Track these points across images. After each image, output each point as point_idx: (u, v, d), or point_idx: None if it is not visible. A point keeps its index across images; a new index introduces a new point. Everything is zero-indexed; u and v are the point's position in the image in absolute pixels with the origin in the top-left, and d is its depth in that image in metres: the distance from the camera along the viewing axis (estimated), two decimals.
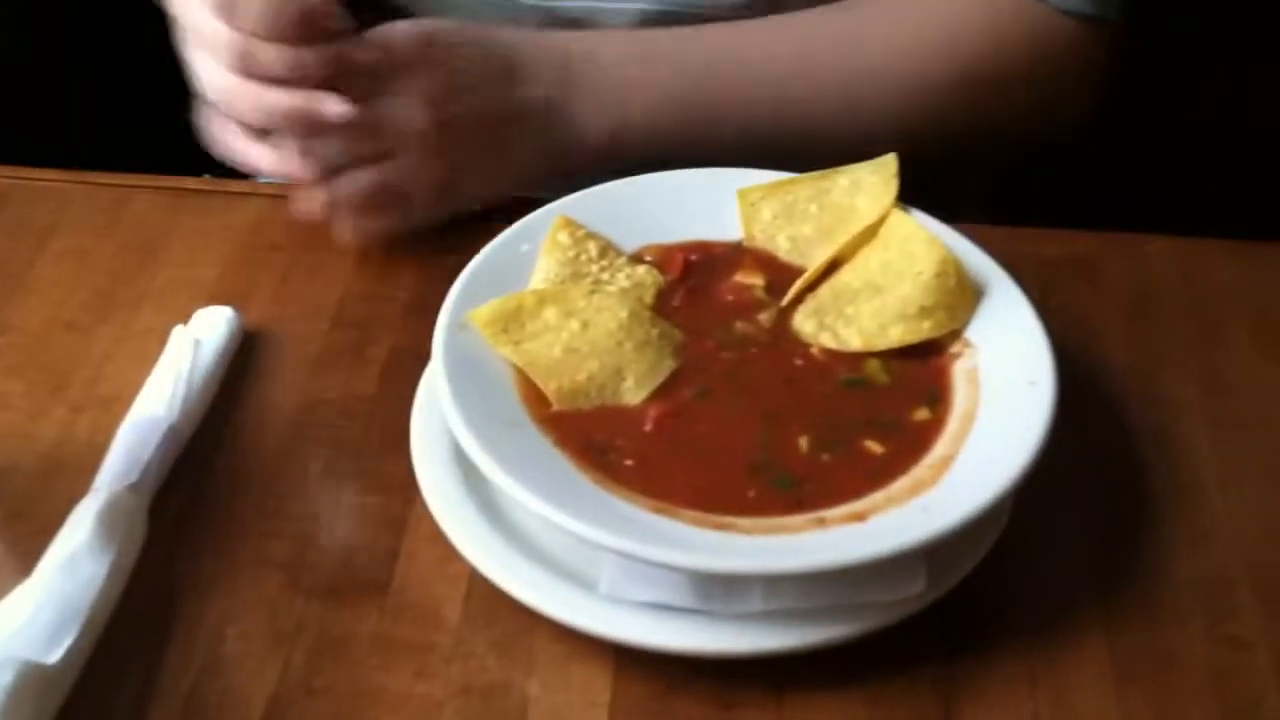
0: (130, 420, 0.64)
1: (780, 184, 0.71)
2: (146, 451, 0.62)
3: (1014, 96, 0.83)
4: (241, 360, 0.70)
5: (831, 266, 0.69)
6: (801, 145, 0.79)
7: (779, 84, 0.80)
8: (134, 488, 0.61)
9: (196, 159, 0.78)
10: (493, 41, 0.76)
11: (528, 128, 0.76)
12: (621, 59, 0.78)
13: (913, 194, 0.69)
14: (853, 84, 0.81)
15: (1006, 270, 0.67)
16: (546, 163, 0.77)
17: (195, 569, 0.61)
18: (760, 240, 0.70)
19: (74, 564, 0.57)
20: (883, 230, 0.69)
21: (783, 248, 0.70)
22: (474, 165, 0.75)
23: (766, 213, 0.70)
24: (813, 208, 0.70)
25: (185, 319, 0.71)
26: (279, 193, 0.77)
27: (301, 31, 0.69)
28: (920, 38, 0.81)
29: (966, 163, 0.83)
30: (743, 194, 0.71)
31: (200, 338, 0.68)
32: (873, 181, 0.70)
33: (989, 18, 0.82)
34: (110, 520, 0.59)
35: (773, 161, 0.72)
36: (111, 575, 0.58)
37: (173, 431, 0.64)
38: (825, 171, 0.71)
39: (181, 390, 0.65)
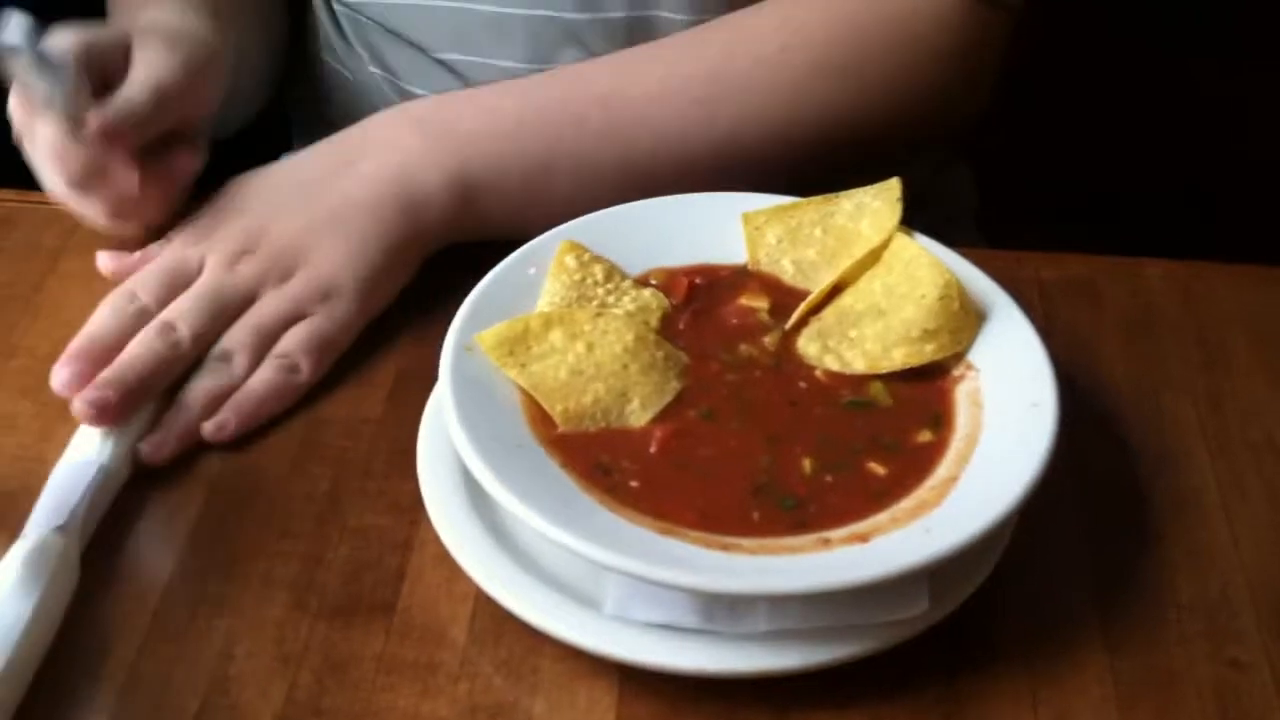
0: (62, 463, 0.65)
1: (784, 208, 0.72)
2: (75, 494, 0.63)
3: (877, 83, 0.79)
4: None
5: (835, 289, 0.69)
6: (678, 178, 0.76)
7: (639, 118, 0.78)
8: (62, 529, 0.61)
9: (203, 177, 0.78)
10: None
11: (370, 208, 0.74)
12: (461, 115, 0.77)
13: (910, 215, 0.69)
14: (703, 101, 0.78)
15: (1008, 293, 0.68)
16: (405, 234, 0.75)
17: (202, 589, 0.62)
18: (765, 264, 0.71)
19: None
20: (886, 254, 0.69)
21: (787, 271, 0.71)
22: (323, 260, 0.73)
23: (771, 236, 0.71)
24: (817, 232, 0.71)
25: None
26: None
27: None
28: (761, 31, 0.79)
29: (846, 162, 0.79)
30: (747, 218, 0.71)
31: None
32: (876, 206, 0.70)
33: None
34: (37, 564, 0.59)
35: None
36: (37, 619, 0.57)
37: (103, 472, 0.64)
38: (829, 196, 0.72)
39: (112, 431, 0.66)
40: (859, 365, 0.66)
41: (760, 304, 0.69)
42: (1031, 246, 0.80)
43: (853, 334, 0.67)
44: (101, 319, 0.69)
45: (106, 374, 0.67)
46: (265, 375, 0.69)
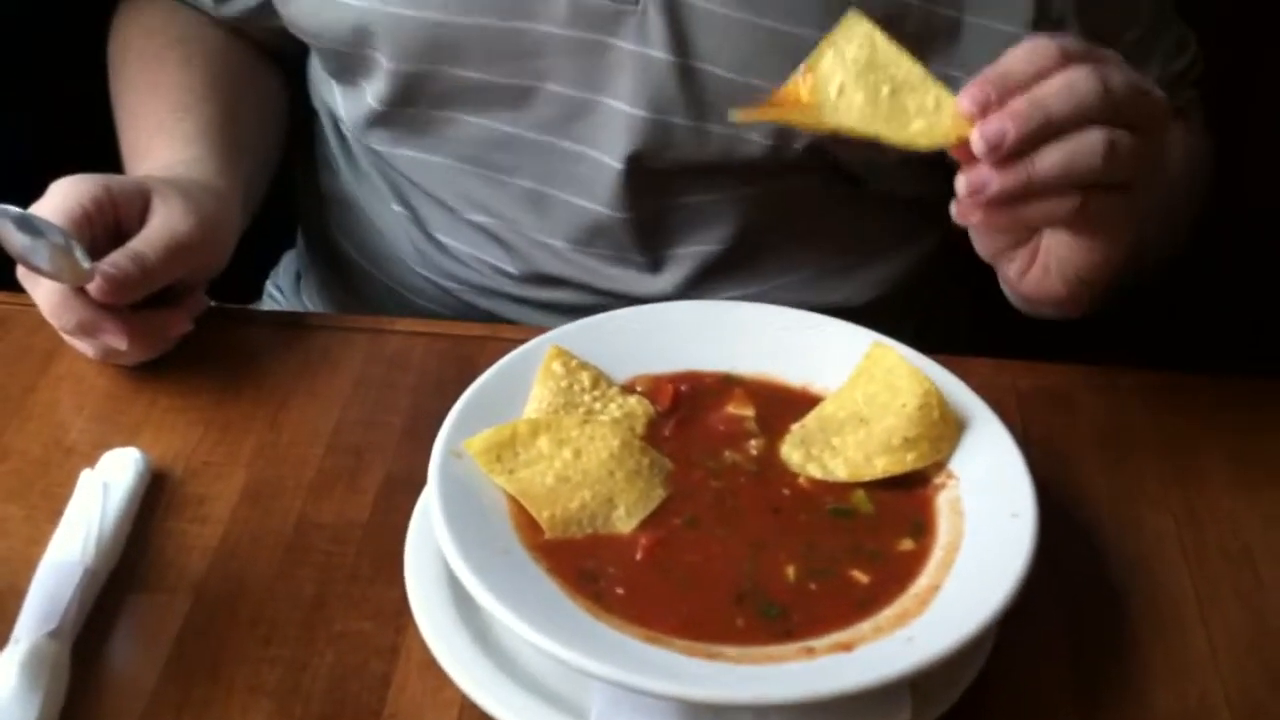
0: (45, 566, 0.65)
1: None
2: (64, 598, 0.63)
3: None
4: (238, 484, 0.71)
5: (818, 398, 0.71)
6: None
7: None
8: (54, 634, 0.61)
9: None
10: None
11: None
12: None
13: (898, 319, 0.70)
14: None
15: (987, 402, 0.69)
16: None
17: (186, 694, 0.62)
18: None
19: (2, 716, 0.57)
20: (866, 362, 0.71)
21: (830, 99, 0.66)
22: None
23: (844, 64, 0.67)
24: (885, 89, 0.67)
25: (185, 444, 0.73)
26: (280, 319, 0.79)
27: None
28: None
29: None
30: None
31: (109, 481, 0.69)
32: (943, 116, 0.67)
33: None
34: (34, 670, 0.59)
35: None
36: None
37: (89, 575, 0.64)
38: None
39: (94, 533, 0.66)
40: (841, 473, 0.67)
41: (746, 412, 0.70)
42: (1020, 345, 0.82)
43: (835, 441, 0.68)
44: None
45: None
46: None
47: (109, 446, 0.72)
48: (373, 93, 0.85)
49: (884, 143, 0.64)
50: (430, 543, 0.65)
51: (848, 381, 0.71)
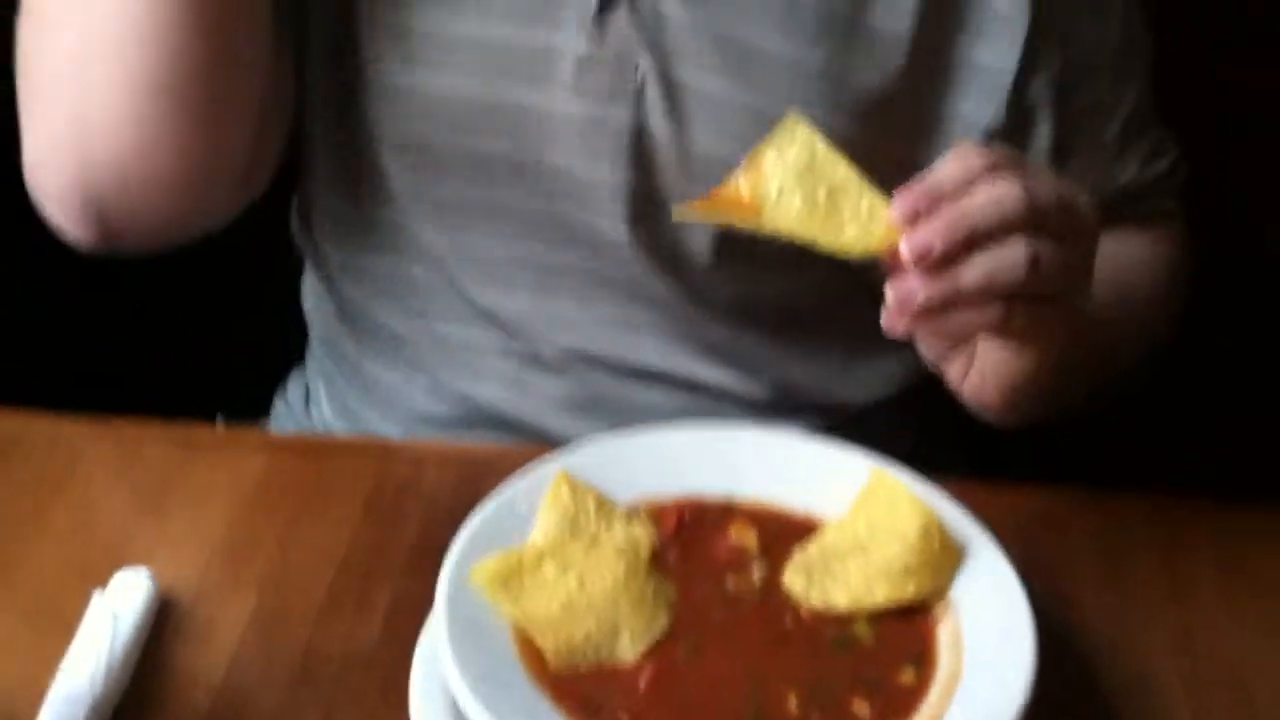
0: (55, 695, 0.65)
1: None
2: None
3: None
4: (246, 608, 0.72)
5: (818, 525, 0.72)
6: None
7: None
8: None
9: (209, 402, 0.81)
10: None
11: None
12: None
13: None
14: None
15: (986, 529, 0.70)
16: None
17: None
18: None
19: None
20: (867, 490, 0.72)
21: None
22: None
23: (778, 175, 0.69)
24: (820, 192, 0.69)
25: (194, 567, 0.74)
26: (289, 444, 0.80)
27: None
28: None
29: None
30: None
31: (119, 609, 0.70)
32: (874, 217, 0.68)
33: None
34: None
35: None
36: None
37: (98, 705, 0.65)
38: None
39: (104, 662, 0.67)
40: (843, 602, 0.68)
41: (749, 538, 0.72)
42: (1018, 465, 0.83)
43: (837, 569, 0.69)
44: None
45: None
46: None
47: (120, 568, 0.73)
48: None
49: (820, 248, 0.66)
50: (437, 670, 0.65)
51: (849, 509, 0.72)
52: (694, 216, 0.68)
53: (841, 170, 0.67)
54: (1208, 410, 1.16)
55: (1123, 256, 0.88)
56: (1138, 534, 0.80)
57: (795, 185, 0.66)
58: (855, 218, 0.66)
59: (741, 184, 0.66)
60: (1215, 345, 1.04)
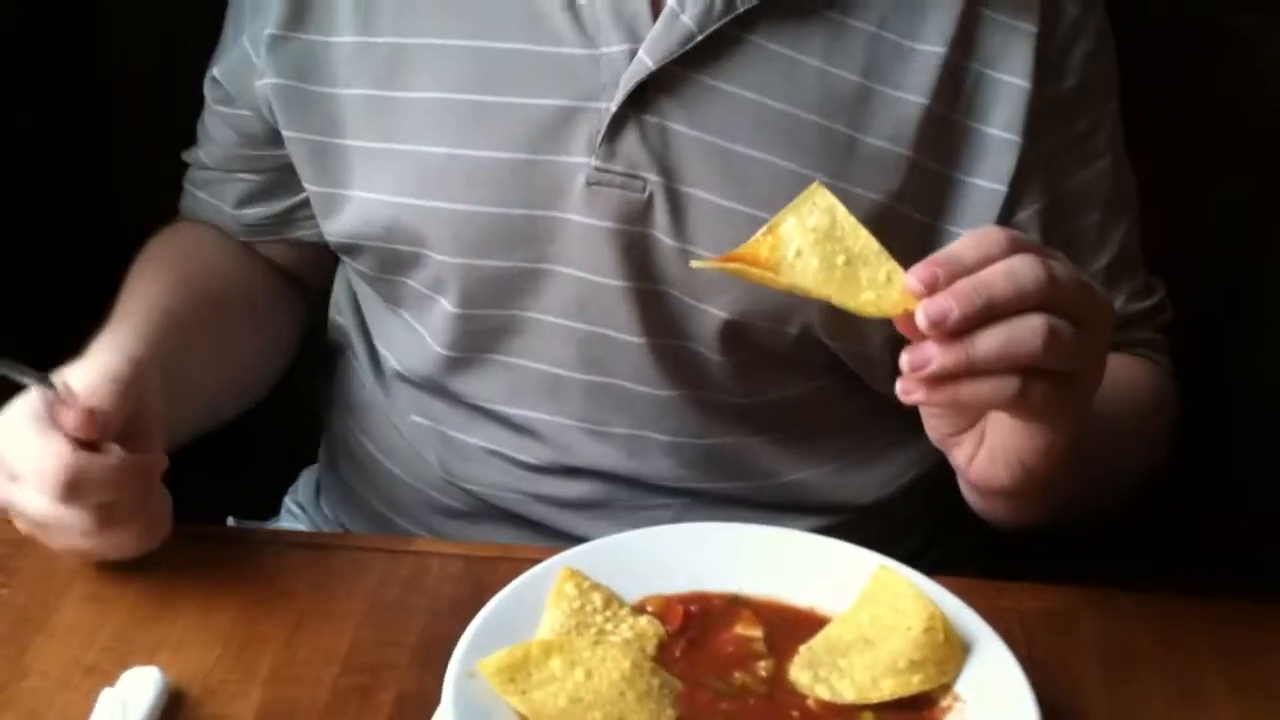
0: None
1: None
2: None
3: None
4: (253, 704, 0.72)
5: (825, 619, 0.72)
6: None
7: None
8: None
9: (219, 502, 0.81)
10: None
11: None
12: None
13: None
14: None
15: (992, 625, 0.71)
16: None
17: None
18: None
19: None
20: (872, 585, 0.72)
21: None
22: None
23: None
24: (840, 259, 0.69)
25: (203, 663, 0.74)
26: (296, 541, 0.81)
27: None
28: None
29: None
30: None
31: (128, 701, 0.70)
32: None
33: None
34: None
35: None
36: None
37: None
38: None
39: None
40: (849, 695, 0.68)
41: (755, 633, 0.72)
42: (1027, 567, 0.83)
43: (842, 663, 0.69)
44: None
45: None
46: None
47: (129, 666, 0.73)
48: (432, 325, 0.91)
49: (834, 305, 0.67)
50: None
51: (854, 604, 0.72)
52: (713, 265, 0.68)
53: (862, 238, 0.67)
54: (1215, 511, 1.17)
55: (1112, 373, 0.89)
56: (1145, 632, 0.80)
57: (814, 249, 0.67)
58: (873, 284, 0.67)
59: (761, 244, 0.67)
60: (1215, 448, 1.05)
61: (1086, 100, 0.88)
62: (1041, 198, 0.87)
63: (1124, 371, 0.90)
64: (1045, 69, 0.84)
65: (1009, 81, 0.84)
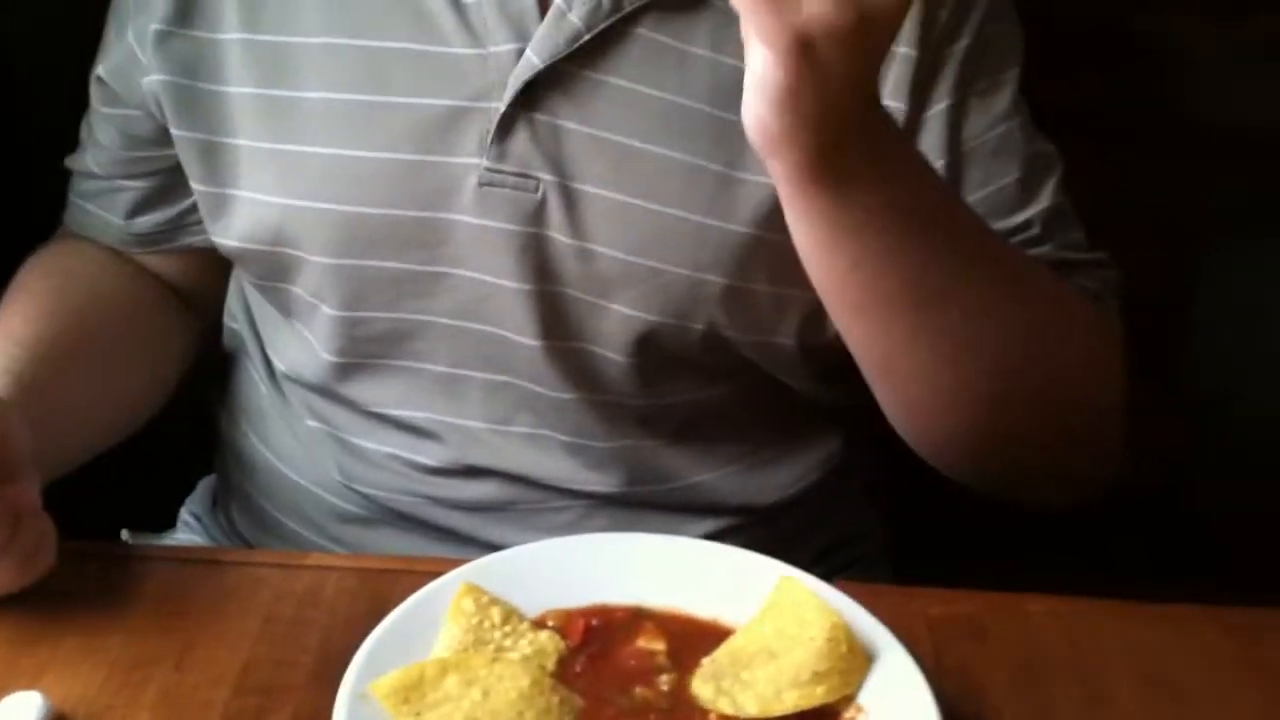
0: None
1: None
2: None
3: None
4: None
5: (728, 631, 0.71)
6: None
7: None
8: None
9: (113, 515, 0.79)
10: None
11: None
12: None
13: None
14: None
15: (895, 634, 0.70)
16: None
17: None
18: None
19: None
20: (775, 595, 0.71)
21: None
22: None
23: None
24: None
25: (89, 687, 0.71)
26: (189, 557, 0.79)
27: None
28: None
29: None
30: None
31: None
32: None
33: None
34: None
35: None
36: None
37: None
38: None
39: None
40: (752, 708, 0.67)
41: (657, 646, 0.71)
42: (934, 571, 0.82)
43: (745, 676, 0.68)
44: None
45: None
46: None
47: (10, 690, 0.70)
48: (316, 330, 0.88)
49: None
50: None
51: (757, 615, 0.71)
52: None
53: None
54: (1125, 510, 1.17)
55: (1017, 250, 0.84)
56: (1050, 636, 0.79)
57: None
58: None
59: None
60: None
61: (981, 59, 0.84)
62: (943, 156, 0.83)
63: (1048, 271, 0.85)
64: (937, 33, 0.82)
65: (896, 51, 0.81)
